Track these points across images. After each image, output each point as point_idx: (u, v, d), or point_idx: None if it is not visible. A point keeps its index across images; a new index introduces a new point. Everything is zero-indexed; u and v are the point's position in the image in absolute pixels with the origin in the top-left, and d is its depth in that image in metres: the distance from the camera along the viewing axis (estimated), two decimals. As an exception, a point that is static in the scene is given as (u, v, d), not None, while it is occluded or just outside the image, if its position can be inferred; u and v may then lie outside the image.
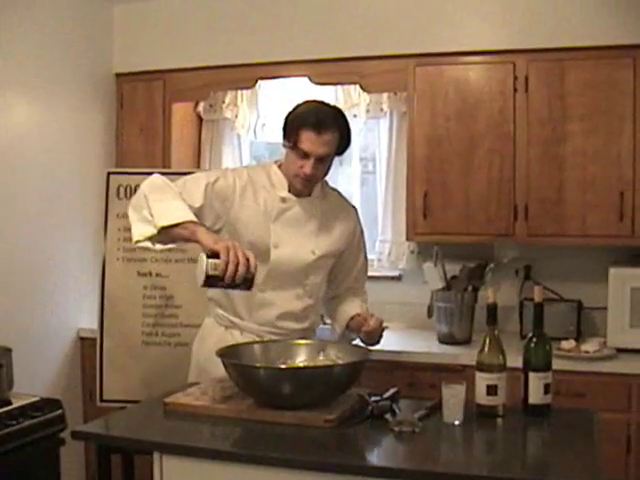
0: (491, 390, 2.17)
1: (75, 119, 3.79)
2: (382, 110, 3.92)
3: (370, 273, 3.93)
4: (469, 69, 3.46)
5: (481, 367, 2.20)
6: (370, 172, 4.16)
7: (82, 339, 3.81)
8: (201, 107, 4.23)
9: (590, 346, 3.14)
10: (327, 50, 3.66)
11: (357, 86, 3.79)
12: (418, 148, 3.53)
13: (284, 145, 2.53)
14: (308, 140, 2.42)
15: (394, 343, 3.47)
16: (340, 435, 2.07)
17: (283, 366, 2.32)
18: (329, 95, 3.97)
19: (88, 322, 3.76)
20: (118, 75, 4.03)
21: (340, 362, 2.33)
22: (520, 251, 3.41)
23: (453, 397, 2.13)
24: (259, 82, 3.86)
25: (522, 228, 3.40)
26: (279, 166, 2.60)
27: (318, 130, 2.42)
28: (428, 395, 2.58)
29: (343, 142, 2.50)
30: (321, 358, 2.40)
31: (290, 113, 2.52)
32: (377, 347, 3.15)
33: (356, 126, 4.03)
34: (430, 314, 3.55)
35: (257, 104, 4.15)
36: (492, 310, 2.24)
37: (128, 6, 3.98)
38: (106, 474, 2.51)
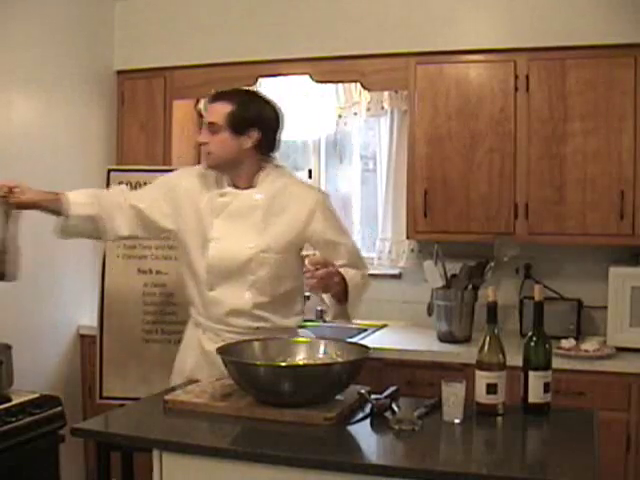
0: (491, 389, 2.17)
1: (76, 116, 3.78)
2: (383, 108, 3.91)
3: (370, 271, 3.96)
4: (470, 68, 3.46)
5: (481, 365, 2.20)
6: (371, 170, 4.15)
7: (82, 336, 3.81)
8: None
9: (590, 345, 3.13)
10: (328, 48, 3.65)
11: (358, 84, 3.78)
12: (419, 146, 3.53)
13: None
14: (206, 110, 2.65)
15: (394, 341, 3.48)
16: (340, 433, 2.07)
17: (283, 364, 2.32)
18: (330, 93, 3.98)
19: (88, 319, 3.76)
20: (119, 72, 4.03)
21: (340, 360, 2.33)
22: (520, 250, 3.41)
23: (453, 395, 2.13)
24: (260, 80, 3.85)
25: (522, 227, 3.40)
26: None
27: (212, 100, 2.60)
28: (428, 393, 2.57)
29: (236, 117, 2.52)
30: (321, 356, 2.40)
31: None
32: (377, 345, 3.17)
33: (357, 124, 4.03)
34: (430, 312, 3.54)
35: (258, 102, 4.14)
36: (492, 309, 2.24)
37: (129, 3, 3.98)
38: (105, 471, 2.51)
